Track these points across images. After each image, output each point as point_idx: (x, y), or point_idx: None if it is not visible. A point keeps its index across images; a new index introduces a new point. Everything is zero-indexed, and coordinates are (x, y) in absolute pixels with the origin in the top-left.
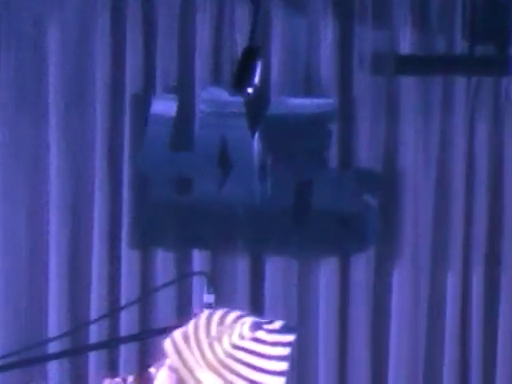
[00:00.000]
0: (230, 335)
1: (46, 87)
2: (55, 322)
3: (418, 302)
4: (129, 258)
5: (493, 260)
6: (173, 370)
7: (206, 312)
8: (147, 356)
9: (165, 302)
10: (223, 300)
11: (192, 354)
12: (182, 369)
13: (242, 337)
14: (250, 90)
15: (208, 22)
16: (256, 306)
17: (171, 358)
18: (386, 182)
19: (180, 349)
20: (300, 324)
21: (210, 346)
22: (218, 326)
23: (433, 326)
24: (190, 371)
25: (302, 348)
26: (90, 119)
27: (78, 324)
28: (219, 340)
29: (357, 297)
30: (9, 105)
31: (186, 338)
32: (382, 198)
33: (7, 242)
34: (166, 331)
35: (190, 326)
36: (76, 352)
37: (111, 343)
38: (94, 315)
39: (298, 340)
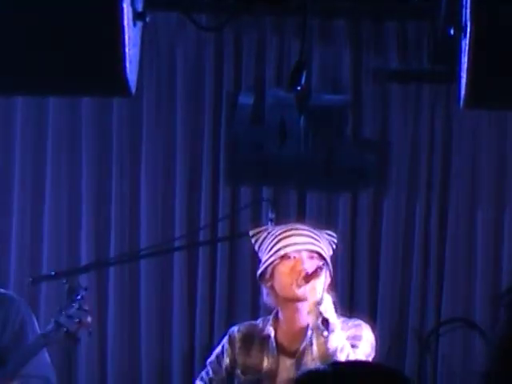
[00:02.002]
0: None
1: (175, 90)
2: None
3: (399, 217)
4: (224, 192)
5: (445, 193)
6: None
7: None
8: None
9: (246, 216)
10: (280, 215)
11: None
12: None
13: None
14: (298, 88)
15: (274, 47)
16: (300, 219)
17: None
18: (380, 148)
19: None
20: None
21: None
22: None
23: (408, 230)
24: None
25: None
26: (203, 109)
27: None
28: None
29: (362, 215)
30: (153, 106)
31: None
32: (378, 157)
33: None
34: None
35: None
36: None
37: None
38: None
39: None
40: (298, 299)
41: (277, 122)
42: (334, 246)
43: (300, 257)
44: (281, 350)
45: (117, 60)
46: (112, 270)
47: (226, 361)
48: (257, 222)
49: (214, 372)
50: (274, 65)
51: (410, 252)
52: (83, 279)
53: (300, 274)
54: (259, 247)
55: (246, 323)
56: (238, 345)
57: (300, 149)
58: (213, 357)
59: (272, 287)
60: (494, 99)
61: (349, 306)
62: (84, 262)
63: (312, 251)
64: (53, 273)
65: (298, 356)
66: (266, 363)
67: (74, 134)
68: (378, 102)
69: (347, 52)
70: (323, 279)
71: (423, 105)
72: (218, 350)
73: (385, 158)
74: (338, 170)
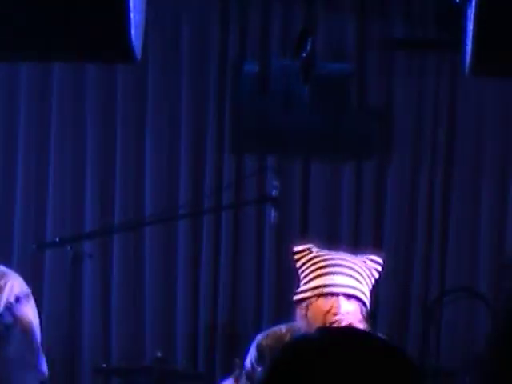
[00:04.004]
0: None
1: (180, 57)
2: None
3: (404, 185)
4: (229, 159)
5: (449, 162)
6: None
7: None
8: None
9: (250, 184)
10: (285, 181)
11: None
12: None
13: None
14: (303, 55)
15: (279, 16)
16: (304, 187)
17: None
18: (385, 116)
19: None
20: (331, 196)
21: None
22: None
23: (413, 198)
24: None
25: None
26: (208, 76)
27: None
28: None
29: (367, 183)
30: (158, 73)
31: None
32: (382, 125)
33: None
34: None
35: None
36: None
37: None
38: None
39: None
40: None
41: (282, 91)
42: (377, 275)
43: (337, 299)
44: None
45: (122, 26)
46: (117, 236)
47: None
48: (261, 189)
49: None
50: (278, 32)
51: (414, 220)
52: (88, 246)
53: (333, 320)
54: (300, 268)
55: (271, 333)
56: (267, 356)
57: (305, 117)
58: (247, 365)
59: (306, 316)
60: (499, 67)
61: None
62: (89, 228)
63: (350, 295)
64: (57, 239)
65: None
66: None
67: (78, 99)
68: (383, 71)
69: (352, 20)
70: None
71: (428, 73)
72: (248, 360)
73: (389, 126)
74: (343, 138)
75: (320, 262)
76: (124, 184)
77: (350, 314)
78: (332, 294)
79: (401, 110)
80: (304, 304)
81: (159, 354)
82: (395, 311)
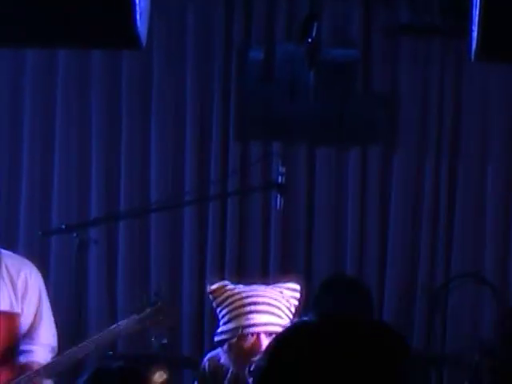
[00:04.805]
0: None
1: (185, 44)
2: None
3: (409, 171)
4: (234, 146)
5: (454, 148)
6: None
7: None
8: None
9: (256, 170)
10: (290, 168)
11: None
12: None
13: None
14: (309, 40)
15: (284, 1)
16: (310, 174)
17: None
18: (390, 102)
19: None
20: (336, 183)
21: None
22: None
23: (418, 184)
24: None
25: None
26: (213, 62)
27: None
28: None
29: (372, 169)
30: (163, 60)
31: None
32: (387, 111)
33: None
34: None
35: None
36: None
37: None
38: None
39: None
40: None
41: (287, 78)
42: (297, 303)
43: (258, 338)
44: None
45: (127, 12)
46: (122, 223)
47: None
48: (266, 176)
49: None
50: (284, 18)
51: (420, 206)
52: (93, 233)
53: (256, 359)
54: (217, 308)
55: (213, 361)
56: (209, 380)
57: (310, 104)
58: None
59: (229, 356)
60: (504, 52)
61: (359, 261)
62: (94, 215)
63: (271, 333)
64: (63, 226)
65: None
66: None
67: (83, 85)
68: (389, 57)
69: (358, 6)
70: None
71: (433, 60)
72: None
73: (395, 113)
74: (348, 125)
75: (236, 301)
76: (129, 171)
77: None
78: (252, 334)
79: (406, 96)
80: (225, 345)
81: (165, 341)
82: (401, 297)
